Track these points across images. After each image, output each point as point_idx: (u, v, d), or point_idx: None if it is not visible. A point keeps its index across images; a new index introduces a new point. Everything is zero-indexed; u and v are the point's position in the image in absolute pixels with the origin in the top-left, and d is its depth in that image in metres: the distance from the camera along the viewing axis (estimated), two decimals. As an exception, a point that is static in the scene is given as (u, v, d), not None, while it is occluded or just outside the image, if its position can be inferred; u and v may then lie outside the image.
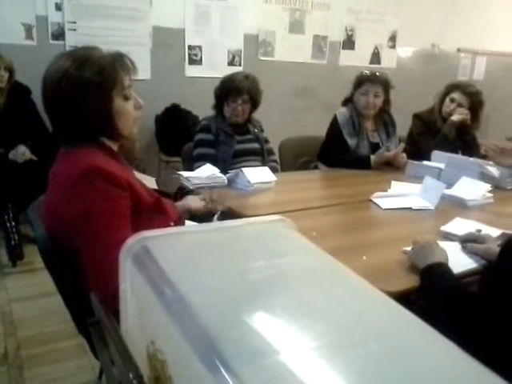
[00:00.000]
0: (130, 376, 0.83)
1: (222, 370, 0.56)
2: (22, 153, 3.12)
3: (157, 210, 1.39)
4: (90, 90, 1.22)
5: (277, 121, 4.30)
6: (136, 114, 1.34)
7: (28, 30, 3.58)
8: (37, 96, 3.37)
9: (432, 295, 1.27)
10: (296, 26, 4.65)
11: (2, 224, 3.01)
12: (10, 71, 3.17)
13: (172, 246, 0.95)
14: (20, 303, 2.54)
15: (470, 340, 1.10)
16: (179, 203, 1.67)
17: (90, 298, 1.04)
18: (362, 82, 2.80)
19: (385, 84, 2.80)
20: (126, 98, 1.30)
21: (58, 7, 3.65)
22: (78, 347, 2.12)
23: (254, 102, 2.60)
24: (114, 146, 1.36)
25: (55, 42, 3.67)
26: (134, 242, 0.88)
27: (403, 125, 3.14)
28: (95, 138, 1.31)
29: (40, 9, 3.60)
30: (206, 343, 0.64)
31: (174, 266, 0.86)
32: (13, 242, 2.93)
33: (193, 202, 1.80)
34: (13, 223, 2.99)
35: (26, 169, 3.06)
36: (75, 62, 1.22)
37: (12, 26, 3.52)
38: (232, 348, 0.61)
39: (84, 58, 1.23)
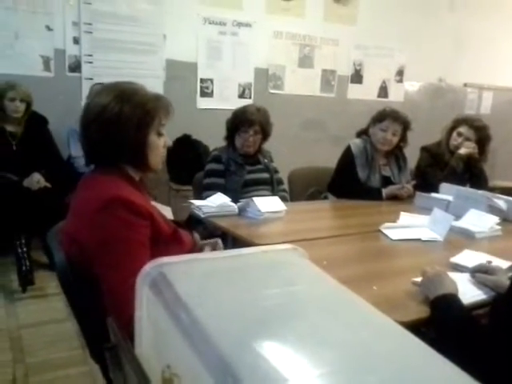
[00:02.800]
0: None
1: None
2: (36, 180, 3.18)
3: (174, 240, 1.42)
4: (132, 120, 1.31)
5: (286, 152, 4.36)
6: (163, 151, 1.42)
7: (46, 62, 3.70)
8: (53, 126, 3.50)
9: (442, 326, 1.28)
10: (305, 61, 4.77)
11: (14, 250, 3.04)
12: (28, 102, 3.27)
13: (188, 272, 0.97)
14: (29, 329, 2.55)
15: (479, 372, 1.11)
16: (199, 243, 1.66)
17: (105, 323, 1.06)
18: (384, 117, 2.82)
19: (405, 124, 2.84)
20: (159, 135, 1.39)
21: (76, 41, 3.79)
22: (85, 374, 2.12)
23: (265, 134, 2.66)
24: (137, 176, 1.41)
25: (72, 74, 3.79)
26: (151, 268, 0.91)
27: (410, 157, 3.18)
28: (120, 167, 1.36)
29: (58, 42, 3.74)
30: (221, 368, 0.66)
31: (190, 291, 0.87)
32: (24, 268, 2.96)
33: (211, 246, 1.66)
34: (24, 249, 3.02)
35: (39, 196, 3.11)
36: (124, 92, 1.33)
37: (31, 58, 3.65)
38: (246, 373, 0.62)
39: (131, 92, 1.34)
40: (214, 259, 1.08)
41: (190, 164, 3.78)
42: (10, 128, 3.28)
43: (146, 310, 0.91)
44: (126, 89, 1.36)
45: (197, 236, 1.69)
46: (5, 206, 3.07)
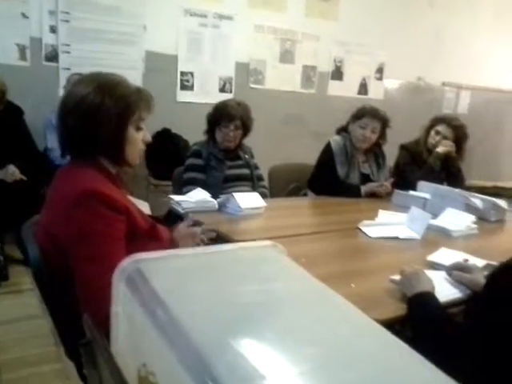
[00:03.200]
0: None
1: None
2: (11, 172, 3.11)
3: (151, 236, 1.40)
4: (112, 113, 1.28)
5: (266, 147, 4.34)
6: (142, 146, 1.40)
7: (22, 50, 3.61)
8: (28, 116, 3.42)
9: (418, 323, 1.30)
10: (286, 56, 4.76)
11: (-13, 243, 2.97)
12: (2, 92, 3.17)
13: (165, 268, 0.96)
14: (3, 326, 2.49)
15: (454, 370, 1.13)
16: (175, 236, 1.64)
17: (80, 319, 1.04)
18: (363, 114, 2.83)
19: (384, 122, 2.85)
20: (138, 129, 1.36)
21: (53, 29, 3.70)
22: (59, 372, 2.08)
23: (246, 129, 2.65)
24: (113, 170, 1.39)
25: (48, 63, 3.70)
26: (127, 264, 0.89)
27: (389, 155, 3.20)
28: (96, 160, 1.33)
29: (35, 30, 3.65)
30: (199, 366, 0.65)
31: (167, 288, 0.86)
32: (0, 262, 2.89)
33: (181, 239, 1.64)
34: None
35: (14, 189, 3.04)
36: (105, 84, 1.30)
37: (6, 46, 3.55)
38: (224, 372, 0.62)
39: (112, 84, 1.31)
40: (191, 255, 1.07)
41: (170, 158, 3.74)
42: (-18, 118, 3.19)
43: (123, 306, 0.90)
44: (107, 80, 1.33)
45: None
46: (-22, 198, 2.99)
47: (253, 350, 0.68)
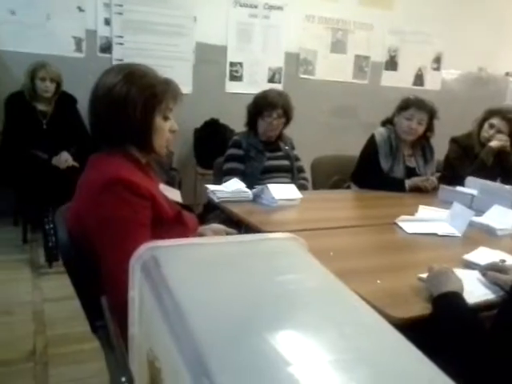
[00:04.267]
0: (123, 379, 0.86)
1: (206, 382, 0.55)
2: (64, 159, 3.27)
3: (177, 223, 1.43)
4: (139, 102, 1.31)
5: (315, 139, 4.32)
6: (169, 135, 1.43)
7: (78, 43, 3.78)
8: (82, 105, 3.57)
9: (442, 325, 1.25)
10: (338, 46, 4.67)
11: (42, 226, 3.14)
12: (57, 82, 3.34)
13: (180, 256, 0.97)
14: (52, 303, 2.65)
15: (475, 375, 1.08)
16: (200, 228, 1.67)
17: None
18: (408, 105, 2.74)
19: (431, 113, 2.74)
20: (165, 119, 1.39)
21: (107, 22, 3.83)
22: (97, 350, 2.18)
23: (287, 118, 2.64)
24: (142, 158, 1.43)
25: (102, 54, 3.85)
26: (144, 250, 0.91)
27: (442, 149, 3.09)
28: (125, 148, 1.38)
29: (90, 23, 3.80)
30: (196, 361, 0.65)
31: (178, 275, 0.87)
32: (50, 244, 3.06)
33: (213, 234, 1.65)
34: (51, 226, 3.12)
35: (67, 174, 3.19)
36: (133, 74, 1.34)
37: (63, 38, 3.73)
38: (221, 364, 0.62)
39: (140, 74, 1.35)
40: (207, 245, 1.07)
41: (217, 149, 3.78)
42: (40, 107, 3.37)
43: (138, 291, 0.93)
44: (135, 70, 1.36)
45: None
46: (34, 183, 3.17)
47: (251, 345, 0.68)
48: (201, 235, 1.57)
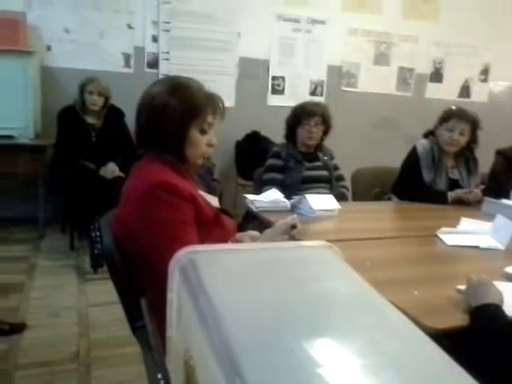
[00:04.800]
0: (159, 376, 0.90)
1: (238, 381, 0.58)
2: (111, 170, 3.40)
3: (216, 224, 1.46)
4: (176, 113, 1.35)
5: (355, 151, 4.30)
6: (206, 149, 1.45)
7: (127, 59, 3.94)
8: (130, 119, 3.70)
9: (480, 336, 1.22)
10: (381, 58, 4.65)
11: (88, 233, 3.27)
12: (106, 96, 3.49)
13: (217, 261, 0.99)
14: (96, 308, 2.74)
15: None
16: (238, 234, 1.71)
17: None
18: (449, 116, 2.70)
19: (473, 123, 2.68)
20: (202, 132, 1.41)
21: (155, 39, 3.98)
22: (139, 354, 2.24)
23: (326, 126, 2.66)
24: (181, 166, 1.47)
25: (150, 70, 4.00)
26: (183, 254, 0.95)
27: (489, 162, 3.01)
28: (164, 155, 1.42)
29: (138, 40, 3.97)
30: (228, 358, 0.66)
31: (215, 279, 0.90)
32: (96, 251, 3.17)
33: (250, 240, 1.66)
34: (98, 233, 3.24)
35: (113, 184, 3.30)
36: (177, 85, 1.39)
37: (113, 55, 3.90)
38: (252, 365, 0.62)
39: (183, 86, 1.40)
40: (244, 250, 1.10)
41: (257, 160, 3.83)
42: (90, 120, 3.53)
43: (176, 293, 0.96)
44: (179, 82, 1.41)
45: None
46: (82, 192, 3.31)
47: (284, 350, 0.69)
48: (238, 241, 1.59)
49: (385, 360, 0.70)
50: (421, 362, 0.72)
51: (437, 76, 4.91)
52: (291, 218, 1.67)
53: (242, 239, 1.60)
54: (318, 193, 2.40)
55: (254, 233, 1.65)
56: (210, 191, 3.22)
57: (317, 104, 2.66)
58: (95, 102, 3.45)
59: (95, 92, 3.43)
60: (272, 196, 2.20)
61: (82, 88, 3.44)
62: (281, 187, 2.44)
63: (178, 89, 1.39)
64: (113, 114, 3.59)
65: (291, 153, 2.65)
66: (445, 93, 4.92)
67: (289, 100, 4.35)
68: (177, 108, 1.35)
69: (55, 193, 3.57)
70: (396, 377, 0.66)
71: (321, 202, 2.16)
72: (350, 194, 2.90)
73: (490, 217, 2.23)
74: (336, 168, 2.79)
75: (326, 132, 2.69)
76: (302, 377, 0.61)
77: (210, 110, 1.41)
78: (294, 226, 1.65)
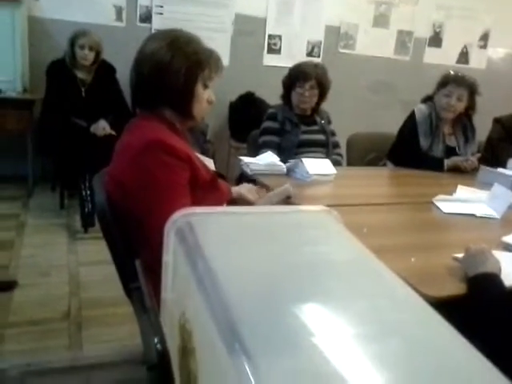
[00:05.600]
0: (155, 340, 0.88)
1: (240, 352, 0.57)
2: (102, 127, 3.32)
3: (212, 187, 1.44)
4: (182, 68, 1.32)
5: (352, 114, 4.24)
6: (206, 105, 1.43)
7: (118, 11, 3.79)
8: (121, 74, 3.60)
9: (478, 305, 1.22)
10: (380, 20, 4.53)
11: (79, 192, 3.22)
12: (97, 51, 3.36)
13: (214, 224, 0.97)
14: (87, 267, 2.72)
15: (504, 355, 1.05)
16: (234, 188, 1.70)
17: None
18: (447, 82, 2.66)
19: (471, 88, 2.64)
20: (205, 87, 1.39)
21: (148, -9, 3.82)
22: (133, 314, 2.24)
23: (322, 90, 2.59)
24: (178, 124, 1.43)
25: (142, 24, 3.86)
26: (179, 216, 0.92)
27: (486, 130, 2.98)
28: (162, 113, 1.38)
29: (131, -8, 3.79)
30: (226, 320, 0.65)
31: (212, 243, 0.88)
32: (86, 210, 3.13)
33: (247, 191, 1.72)
34: (88, 192, 3.19)
35: (104, 142, 3.22)
36: (178, 40, 1.35)
37: (104, 7, 3.74)
38: (251, 330, 0.61)
39: (185, 40, 1.36)
40: (242, 214, 1.07)
41: (252, 122, 3.75)
42: (80, 75, 3.42)
43: (172, 255, 0.93)
44: (180, 36, 1.37)
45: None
46: (72, 150, 3.24)
47: (282, 314, 0.67)
48: (238, 195, 1.58)
49: (388, 327, 0.69)
50: (423, 329, 0.71)
51: (436, 40, 4.81)
52: (284, 189, 1.65)
53: (240, 192, 1.59)
54: (314, 157, 2.37)
55: (251, 186, 1.64)
56: (203, 153, 3.18)
57: (315, 65, 2.58)
58: (86, 56, 3.33)
59: (86, 46, 3.31)
60: (268, 159, 2.16)
61: (73, 41, 3.30)
62: (277, 150, 2.40)
63: (181, 43, 1.35)
64: (104, 69, 3.47)
65: (287, 115, 2.60)
66: (443, 58, 4.83)
67: (285, 60, 4.23)
68: (183, 63, 1.32)
69: (44, 150, 3.49)
70: (398, 344, 0.65)
71: (317, 166, 2.13)
72: (344, 161, 2.86)
73: (485, 185, 2.23)
74: (333, 134, 2.74)
75: (322, 95, 2.61)
76: (298, 345, 0.60)
77: (212, 64, 1.39)
78: (288, 197, 1.64)
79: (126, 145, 1.36)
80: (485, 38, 4.94)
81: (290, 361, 0.57)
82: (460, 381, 0.59)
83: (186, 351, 0.80)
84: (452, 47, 4.88)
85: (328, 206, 1.03)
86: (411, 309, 0.78)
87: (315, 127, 2.67)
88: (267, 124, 2.63)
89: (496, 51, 5.05)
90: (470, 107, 2.69)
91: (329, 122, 2.74)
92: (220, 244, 0.89)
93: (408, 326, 0.71)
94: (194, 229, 0.90)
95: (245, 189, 1.68)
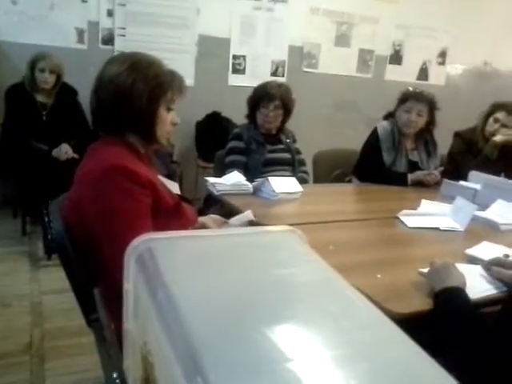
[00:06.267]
0: (114, 375, 0.84)
1: (199, 380, 0.54)
2: (64, 151, 3.25)
3: (176, 213, 1.41)
4: (145, 92, 1.30)
5: (316, 132, 4.28)
6: (170, 128, 1.41)
7: (80, 34, 3.75)
8: (83, 97, 3.55)
9: (443, 320, 1.22)
10: (342, 39, 4.63)
11: (41, 218, 3.12)
12: (58, 74, 3.31)
13: (176, 249, 0.94)
14: (50, 296, 2.63)
15: (475, 372, 1.05)
16: (201, 218, 1.68)
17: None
18: (406, 98, 2.72)
19: (430, 104, 2.71)
20: (169, 110, 1.38)
21: (110, 13, 3.80)
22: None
23: (286, 110, 2.61)
24: (142, 148, 1.40)
25: (105, 46, 3.82)
26: (139, 242, 0.89)
27: (447, 144, 3.05)
28: (125, 137, 1.35)
29: (93, 15, 3.77)
30: (187, 350, 0.62)
31: (173, 268, 0.85)
32: (49, 236, 3.03)
33: (212, 222, 1.67)
34: (50, 218, 3.09)
35: (67, 166, 3.16)
36: (139, 63, 1.32)
37: (65, 29, 3.70)
38: (215, 361, 0.59)
39: (146, 64, 1.33)
40: (204, 237, 1.05)
41: (219, 142, 3.74)
42: (40, 98, 3.35)
43: (133, 283, 0.90)
44: (140, 59, 1.35)
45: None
46: (34, 174, 3.16)
47: (246, 338, 0.65)
48: (202, 226, 1.54)
49: (354, 351, 0.67)
50: (388, 350, 0.70)
51: (396, 58, 4.94)
52: (244, 215, 1.64)
53: (205, 222, 1.55)
54: (281, 175, 2.37)
55: (217, 217, 1.61)
56: (170, 174, 3.16)
57: (279, 85, 2.60)
58: (47, 79, 3.26)
59: (47, 69, 3.24)
60: (234, 179, 2.15)
61: (33, 65, 3.23)
62: (243, 170, 2.39)
63: (141, 66, 1.33)
64: (65, 92, 3.41)
65: (253, 135, 2.60)
66: (404, 75, 4.96)
67: (250, 80, 4.27)
68: (145, 86, 1.30)
69: (5, 175, 3.38)
70: (365, 367, 0.63)
71: (283, 184, 2.13)
72: (310, 178, 2.88)
73: (448, 198, 2.27)
74: (298, 152, 2.76)
75: (286, 115, 2.63)
76: (269, 372, 0.58)
77: (175, 86, 1.37)
78: (250, 222, 1.62)
79: (86, 170, 1.32)
80: (443, 54, 5.11)
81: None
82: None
83: (149, 383, 0.77)
84: (412, 64, 5.01)
85: (295, 224, 1.02)
86: (376, 329, 0.76)
87: (281, 146, 2.68)
88: (233, 144, 2.62)
89: (454, 67, 5.22)
90: (431, 122, 2.75)
91: (294, 141, 2.75)
92: (182, 269, 0.86)
93: (374, 348, 0.70)
94: (154, 255, 0.87)
95: (210, 219, 1.64)
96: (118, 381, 0.80)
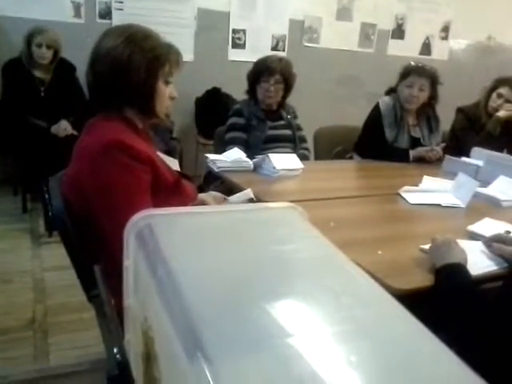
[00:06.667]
0: (115, 350, 0.84)
1: (199, 355, 0.54)
2: (63, 128, 3.22)
3: (176, 190, 1.40)
4: (142, 65, 1.28)
5: (317, 108, 4.24)
6: (168, 102, 1.39)
7: (77, 8, 3.67)
8: (81, 72, 3.49)
9: (445, 296, 1.22)
10: (344, 13, 4.54)
11: (42, 195, 3.11)
12: (55, 49, 3.25)
13: (176, 225, 0.94)
14: (52, 272, 2.64)
15: (475, 347, 1.06)
16: (200, 195, 1.65)
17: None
18: (408, 73, 2.68)
19: (432, 78, 2.67)
20: (167, 83, 1.36)
21: (107, -14, 3.72)
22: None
23: (287, 85, 2.57)
24: (140, 124, 1.38)
25: (102, 20, 3.75)
26: (139, 218, 0.88)
27: (450, 120, 3.02)
28: (122, 113, 1.33)
29: (90, -13, 3.68)
30: (187, 325, 0.62)
31: (173, 245, 0.85)
32: (50, 213, 3.03)
33: (212, 199, 1.63)
34: (51, 195, 3.09)
35: (66, 143, 3.13)
36: (135, 36, 1.29)
37: (62, 3, 3.62)
38: (214, 336, 0.58)
39: (142, 36, 1.30)
40: (204, 213, 1.04)
41: (219, 118, 3.71)
42: (38, 74, 3.30)
43: (133, 260, 0.90)
44: (137, 32, 1.32)
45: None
46: (33, 151, 3.14)
47: (246, 314, 0.64)
48: (201, 202, 1.53)
49: (356, 326, 0.67)
50: (389, 326, 0.70)
51: (399, 32, 4.86)
52: (244, 193, 1.62)
53: (206, 199, 1.54)
54: (282, 152, 2.35)
55: (217, 194, 1.59)
56: (169, 151, 3.14)
57: (280, 60, 2.56)
58: (44, 55, 3.21)
59: (44, 44, 3.19)
60: (234, 155, 2.13)
61: (29, 39, 3.17)
62: (244, 146, 2.37)
63: (138, 39, 1.30)
64: (63, 68, 3.36)
65: (253, 111, 2.57)
66: (406, 50, 4.88)
67: (250, 55, 4.19)
68: (142, 59, 1.28)
69: (4, 152, 3.36)
70: (366, 343, 0.63)
71: (284, 161, 2.11)
72: (311, 155, 2.86)
73: (450, 175, 2.26)
74: (299, 129, 2.73)
75: (287, 90, 2.59)
76: (270, 348, 0.57)
77: (172, 59, 1.35)
78: (250, 200, 1.61)
79: (84, 146, 1.31)
80: (446, 29, 5.02)
81: (256, 366, 0.54)
82: (425, 375, 0.58)
83: (150, 358, 0.77)
84: (414, 39, 4.93)
85: (295, 200, 1.01)
86: (377, 305, 0.76)
87: (281, 122, 2.65)
88: (233, 120, 2.59)
89: (457, 42, 5.14)
90: (433, 97, 2.72)
91: (295, 117, 2.72)
92: (181, 246, 0.86)
93: (375, 324, 0.70)
94: (154, 231, 0.86)
95: (210, 196, 1.62)
96: (118, 356, 0.80)
